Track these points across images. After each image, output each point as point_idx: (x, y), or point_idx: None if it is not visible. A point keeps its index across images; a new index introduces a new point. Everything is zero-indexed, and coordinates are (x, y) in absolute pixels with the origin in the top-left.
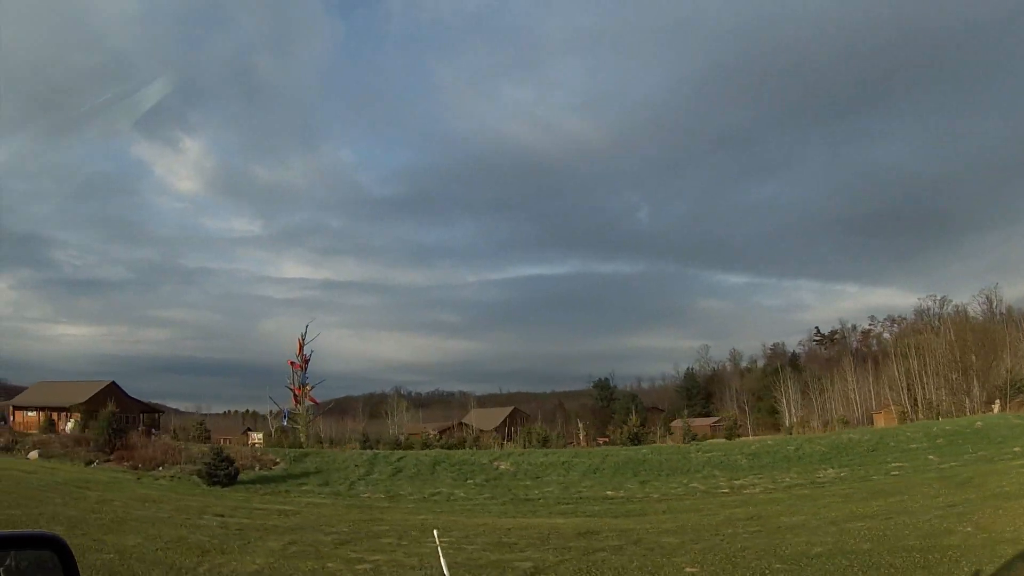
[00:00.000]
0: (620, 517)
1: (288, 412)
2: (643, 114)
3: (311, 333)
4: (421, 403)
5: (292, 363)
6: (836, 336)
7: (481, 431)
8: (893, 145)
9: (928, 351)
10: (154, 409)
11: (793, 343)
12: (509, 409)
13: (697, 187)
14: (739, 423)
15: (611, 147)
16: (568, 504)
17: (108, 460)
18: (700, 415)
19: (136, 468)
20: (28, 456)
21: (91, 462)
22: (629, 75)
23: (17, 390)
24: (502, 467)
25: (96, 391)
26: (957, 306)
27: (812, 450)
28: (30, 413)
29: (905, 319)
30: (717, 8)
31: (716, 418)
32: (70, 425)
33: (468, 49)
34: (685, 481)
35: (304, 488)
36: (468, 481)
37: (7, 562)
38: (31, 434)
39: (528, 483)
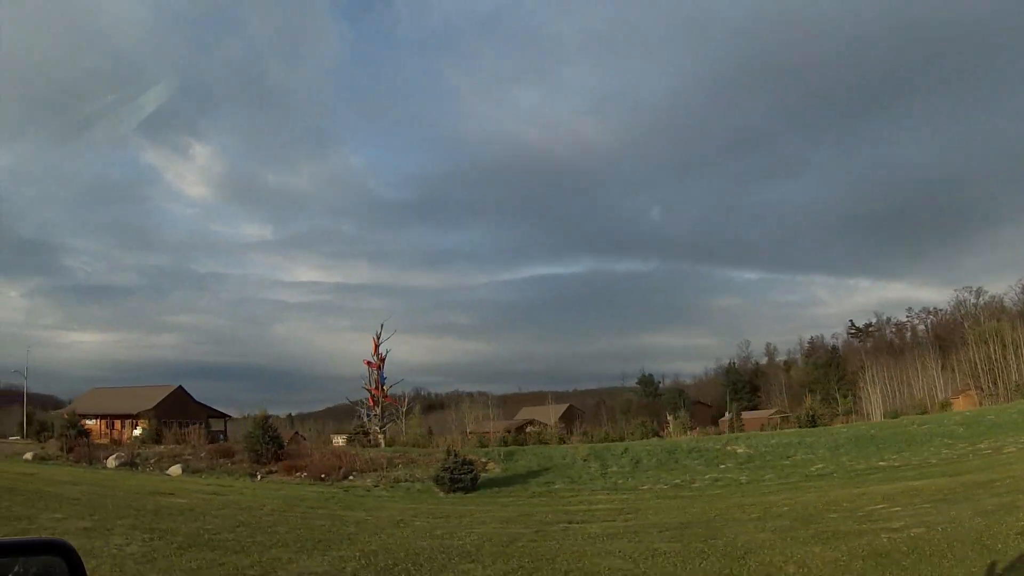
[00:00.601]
0: (945, 477)
1: (369, 414)
2: (655, 115)
3: (386, 331)
4: (442, 404)
5: (368, 363)
6: (871, 328)
7: (544, 426)
8: (905, 143)
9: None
10: (220, 414)
11: (827, 336)
12: (565, 406)
13: (710, 187)
14: (816, 413)
15: (623, 148)
16: (874, 474)
17: (272, 472)
18: (746, 408)
19: (321, 479)
20: (168, 472)
21: (253, 475)
22: (641, 77)
23: (37, 398)
24: (739, 451)
25: (163, 396)
26: (993, 297)
27: (1008, 419)
28: (90, 421)
29: (941, 310)
30: (730, 9)
31: (772, 410)
32: (137, 432)
33: (479, 53)
34: (933, 449)
35: (555, 487)
36: (721, 465)
37: (16, 568)
38: (101, 444)
39: (785, 462)
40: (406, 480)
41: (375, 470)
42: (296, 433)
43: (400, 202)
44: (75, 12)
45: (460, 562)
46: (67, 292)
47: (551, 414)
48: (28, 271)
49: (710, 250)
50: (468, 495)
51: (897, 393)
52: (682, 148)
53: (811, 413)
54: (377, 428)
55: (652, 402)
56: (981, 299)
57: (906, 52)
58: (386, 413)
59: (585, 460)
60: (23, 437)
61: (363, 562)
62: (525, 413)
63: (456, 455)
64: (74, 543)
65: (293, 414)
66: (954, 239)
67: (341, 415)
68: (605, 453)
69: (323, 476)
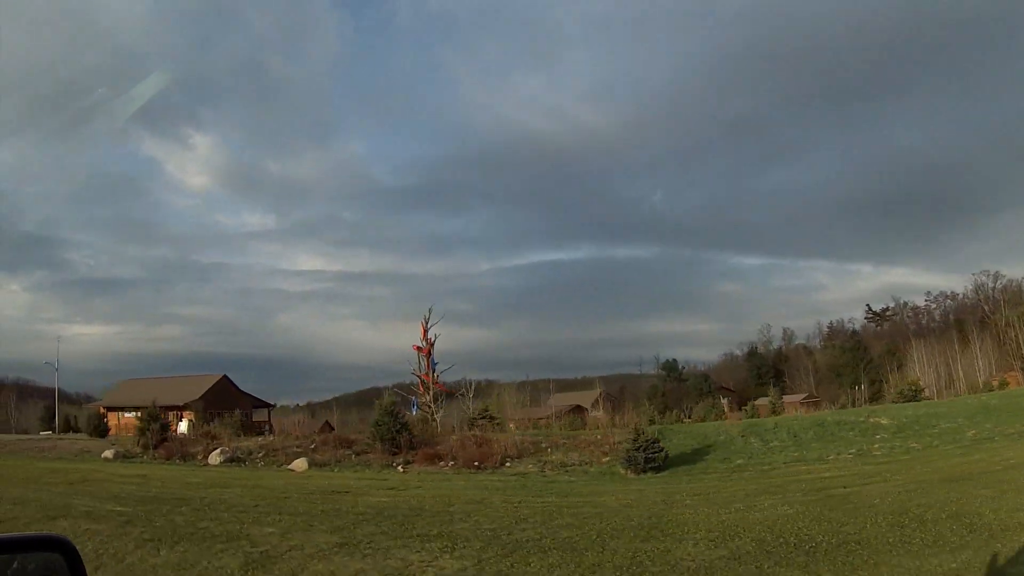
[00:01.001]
0: None
1: (416, 401)
2: (657, 100)
3: (434, 316)
4: (450, 391)
5: (417, 348)
6: (888, 313)
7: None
8: (908, 127)
9: None
10: (264, 403)
11: (842, 321)
12: (597, 392)
13: (712, 172)
14: (918, 389)
15: (625, 134)
16: None
17: (410, 462)
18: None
19: (476, 467)
20: (292, 467)
21: (392, 465)
22: (643, 62)
23: (36, 390)
24: (883, 422)
25: (209, 386)
26: (1011, 281)
27: None
28: (127, 414)
29: (958, 294)
30: None
31: (802, 395)
32: (184, 426)
33: (479, 40)
34: None
35: (739, 463)
36: (876, 436)
37: (14, 565)
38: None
39: (934, 430)
40: (574, 464)
41: (521, 456)
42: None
43: (402, 189)
44: (74, 7)
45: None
46: (70, 286)
47: (587, 400)
48: (30, 265)
49: (712, 236)
50: (660, 475)
51: (941, 374)
52: (684, 133)
53: (914, 389)
54: (432, 415)
55: (677, 387)
56: (999, 283)
57: (910, 34)
58: (437, 400)
59: (743, 436)
60: (55, 432)
61: (752, 547)
62: (563, 399)
63: (643, 433)
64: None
65: (301, 403)
66: (956, 224)
67: (351, 404)
68: (757, 429)
69: (477, 464)
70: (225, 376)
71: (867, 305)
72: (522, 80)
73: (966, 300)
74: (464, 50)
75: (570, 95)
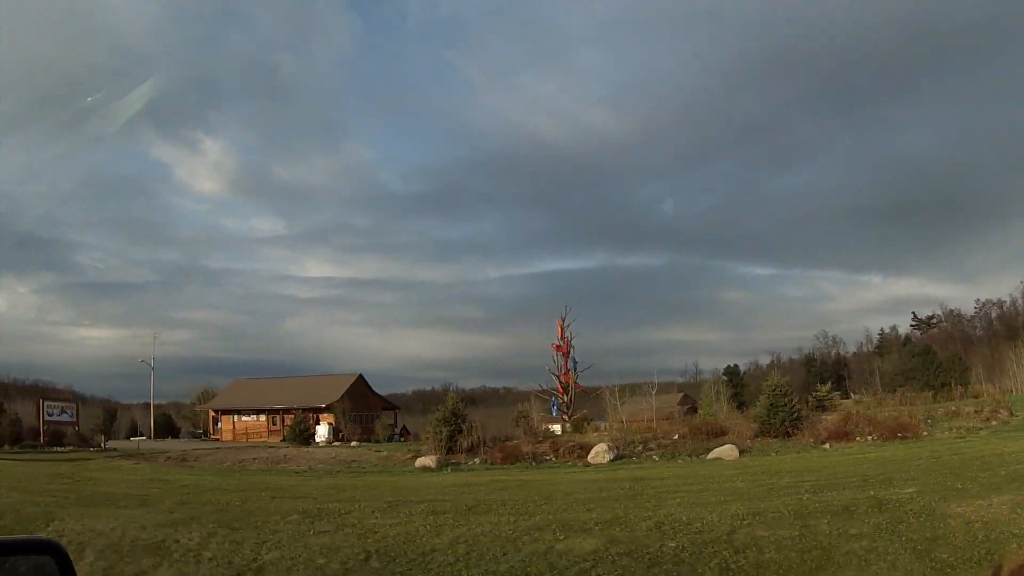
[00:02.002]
0: None
1: (556, 402)
2: (667, 105)
3: (571, 315)
4: (475, 399)
5: (556, 346)
6: (933, 321)
7: None
8: (918, 133)
9: None
10: (392, 405)
11: (895, 328)
12: (680, 395)
13: (722, 178)
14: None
15: (635, 139)
16: None
17: None
18: (843, 398)
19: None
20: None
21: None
22: (653, 66)
23: (47, 390)
24: None
25: (347, 387)
26: None
27: None
28: (245, 417)
29: (1005, 302)
30: None
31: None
32: (322, 430)
33: (490, 43)
34: None
35: None
36: None
37: (5, 567)
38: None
39: None
40: None
41: None
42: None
43: (412, 194)
44: (81, 7)
45: None
46: (78, 288)
47: (670, 403)
48: (38, 267)
49: (720, 244)
50: None
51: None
52: (694, 138)
53: None
54: (565, 415)
55: (736, 393)
56: None
57: (921, 39)
58: (574, 399)
59: None
60: (150, 437)
61: None
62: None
63: None
64: None
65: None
66: (964, 233)
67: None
68: None
69: None
70: (361, 376)
71: (912, 312)
72: (533, 84)
73: (1015, 308)
74: (474, 53)
75: (581, 99)
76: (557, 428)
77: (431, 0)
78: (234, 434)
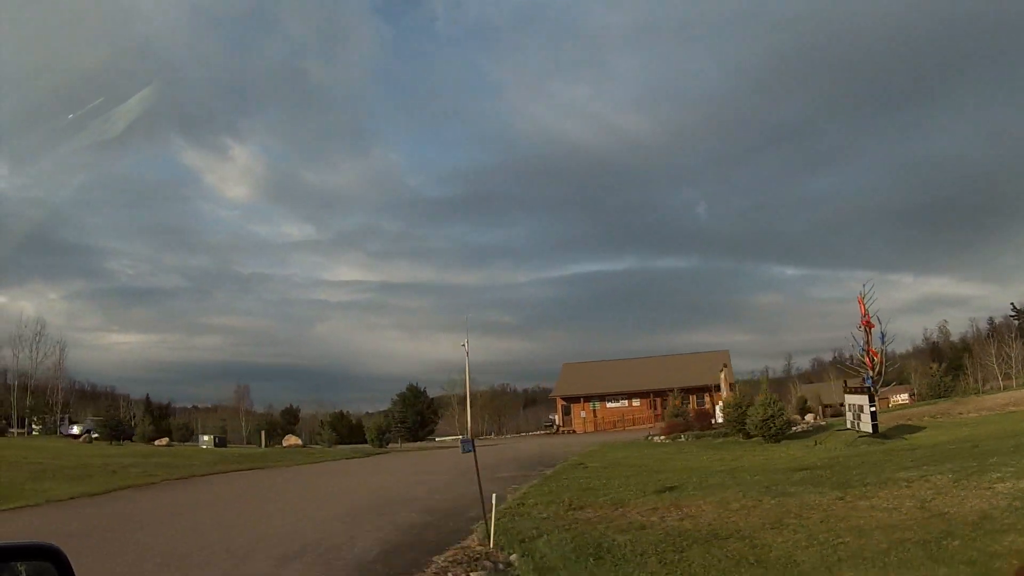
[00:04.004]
0: None
1: (869, 376)
2: (700, 108)
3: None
4: (529, 399)
5: (867, 323)
6: None
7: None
8: (948, 134)
9: None
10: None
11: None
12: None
13: (754, 181)
14: None
15: (668, 142)
16: None
17: None
18: None
19: None
20: None
21: None
22: (686, 69)
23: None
24: None
25: (722, 364)
26: None
27: None
28: (611, 403)
29: None
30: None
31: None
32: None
33: (520, 47)
34: None
35: None
36: None
37: (3, 573)
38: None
39: None
40: None
41: None
42: None
43: (442, 199)
44: (112, 14)
45: None
46: (108, 294)
47: None
48: (69, 274)
49: (752, 246)
50: None
51: None
52: (727, 141)
53: None
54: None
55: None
56: None
57: (954, 39)
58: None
59: None
60: (330, 445)
61: None
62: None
63: None
64: None
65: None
66: (995, 232)
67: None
68: None
69: None
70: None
71: (1011, 303)
72: (565, 88)
73: None
74: (505, 58)
75: (614, 102)
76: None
77: (460, 5)
78: (596, 423)
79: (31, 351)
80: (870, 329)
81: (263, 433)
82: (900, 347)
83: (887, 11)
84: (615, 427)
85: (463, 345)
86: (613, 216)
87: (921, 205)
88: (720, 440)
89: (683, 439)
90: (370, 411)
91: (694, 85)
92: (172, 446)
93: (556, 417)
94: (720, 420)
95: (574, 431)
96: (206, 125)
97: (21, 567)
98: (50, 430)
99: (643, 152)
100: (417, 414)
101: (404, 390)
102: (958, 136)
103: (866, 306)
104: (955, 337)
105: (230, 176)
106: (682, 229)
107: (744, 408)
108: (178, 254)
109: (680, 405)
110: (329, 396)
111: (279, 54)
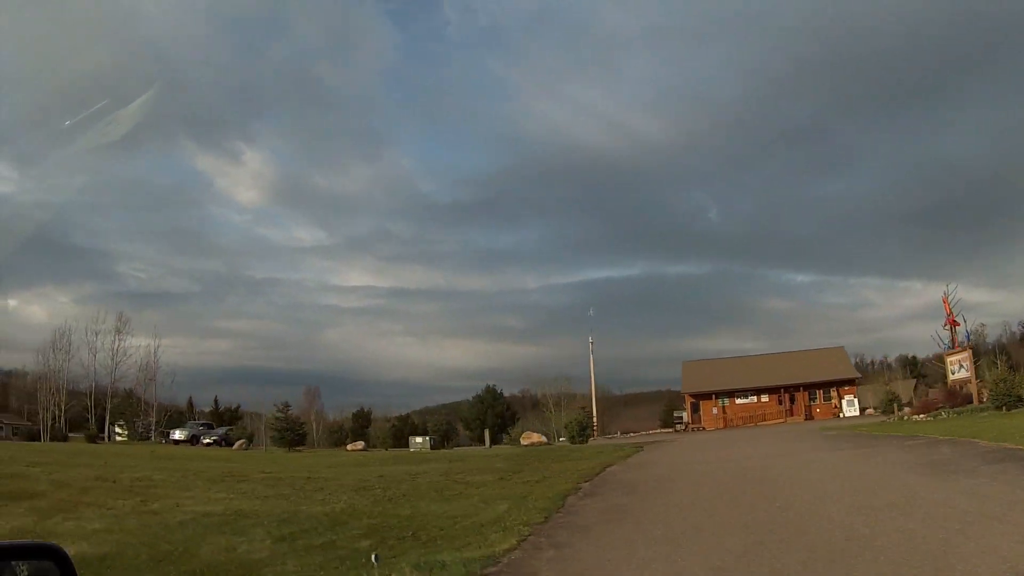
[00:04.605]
0: None
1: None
2: (713, 111)
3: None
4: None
5: (953, 322)
6: None
7: None
8: (961, 137)
9: None
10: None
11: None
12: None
13: (766, 184)
14: None
15: (681, 145)
16: None
17: None
18: None
19: None
20: None
21: None
22: (699, 71)
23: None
24: None
25: (833, 360)
26: None
27: None
28: (741, 399)
29: None
30: (791, 2)
31: None
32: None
33: (532, 49)
34: None
35: None
36: None
37: (4, 573)
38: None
39: None
40: None
41: None
42: None
43: (454, 203)
44: (123, 20)
45: None
46: (118, 297)
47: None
48: (80, 277)
49: (763, 252)
50: None
51: None
52: (739, 143)
53: None
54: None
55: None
56: None
57: (967, 37)
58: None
59: None
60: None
61: None
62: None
63: None
64: None
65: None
66: (1006, 239)
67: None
68: None
69: None
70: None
71: None
72: (578, 90)
73: None
74: (517, 60)
75: (627, 105)
76: None
77: (470, 8)
78: (725, 420)
79: (112, 352)
80: (955, 327)
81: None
82: (926, 350)
83: (898, 11)
84: (745, 423)
85: (591, 341)
86: (625, 219)
87: (932, 208)
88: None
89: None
90: (388, 416)
91: (707, 87)
92: (367, 451)
93: (685, 415)
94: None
95: (703, 428)
96: (217, 129)
97: (23, 566)
98: (140, 436)
99: (655, 154)
100: (498, 415)
101: (481, 391)
102: (969, 138)
103: (950, 305)
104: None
105: (241, 180)
106: (694, 234)
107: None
108: (189, 258)
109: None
110: (341, 401)
111: (290, 58)
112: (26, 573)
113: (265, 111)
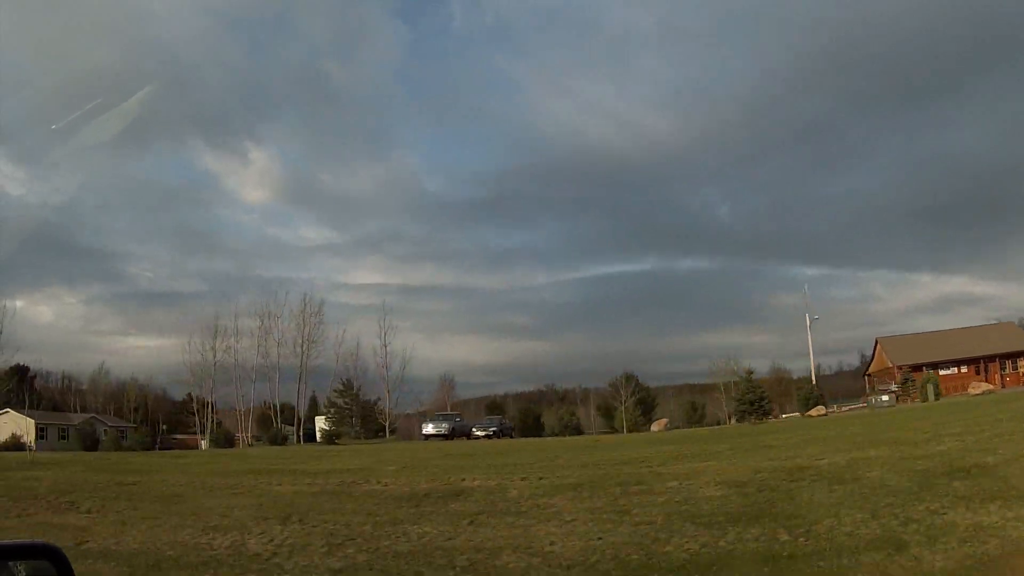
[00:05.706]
0: None
1: None
2: (724, 107)
3: None
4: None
5: None
6: None
7: None
8: (970, 132)
9: None
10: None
11: None
12: None
13: (776, 180)
14: None
15: (691, 141)
16: None
17: None
18: None
19: None
20: None
21: None
22: (710, 68)
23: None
24: None
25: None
26: None
27: None
28: (944, 371)
29: None
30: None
31: None
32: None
33: (541, 47)
34: None
35: None
36: None
37: (3, 572)
38: None
39: None
40: None
41: None
42: None
43: (464, 201)
44: (129, 19)
45: None
46: (128, 298)
47: None
48: (88, 278)
49: (772, 245)
50: None
51: None
52: (749, 140)
53: None
54: None
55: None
56: None
57: (978, 34)
58: None
59: None
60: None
61: None
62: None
63: None
64: None
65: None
66: (1015, 232)
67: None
68: None
69: None
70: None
71: None
72: (587, 87)
73: None
74: (526, 57)
75: (639, 102)
76: None
77: (479, 4)
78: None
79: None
80: None
81: None
82: None
83: (908, 7)
84: (949, 393)
85: (815, 317)
86: (634, 216)
87: (939, 203)
88: None
89: None
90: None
91: (717, 84)
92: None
93: (895, 387)
94: None
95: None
96: (225, 128)
97: (20, 566)
98: (276, 439)
99: (665, 151)
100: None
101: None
102: (978, 133)
103: None
104: None
105: (249, 179)
106: (704, 229)
107: None
108: (198, 257)
109: None
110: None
111: (298, 57)
112: (23, 573)
113: (273, 110)
